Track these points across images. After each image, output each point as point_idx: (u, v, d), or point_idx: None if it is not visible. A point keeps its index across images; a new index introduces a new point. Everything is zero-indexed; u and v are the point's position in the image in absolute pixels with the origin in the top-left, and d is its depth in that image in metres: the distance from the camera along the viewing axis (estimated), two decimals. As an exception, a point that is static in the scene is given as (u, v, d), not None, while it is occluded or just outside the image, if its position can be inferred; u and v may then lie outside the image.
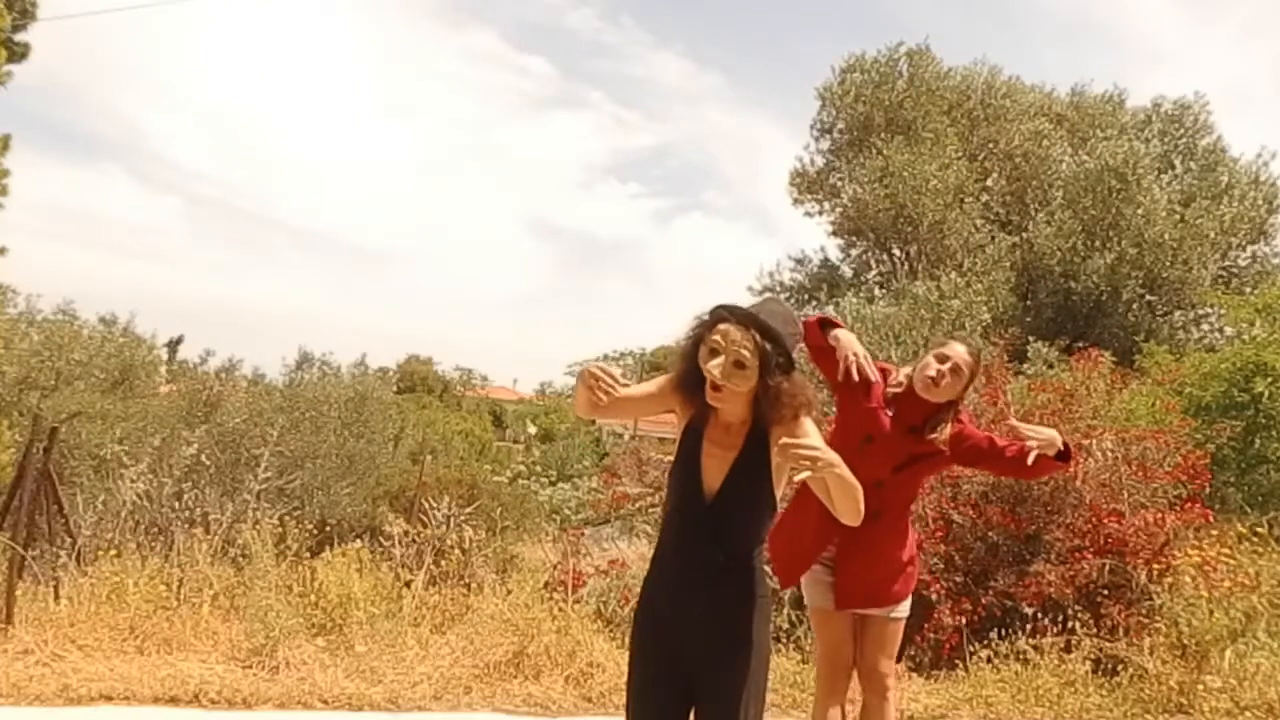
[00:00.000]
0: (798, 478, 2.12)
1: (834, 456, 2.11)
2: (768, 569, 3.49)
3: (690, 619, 2.27)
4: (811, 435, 2.23)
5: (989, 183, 18.35)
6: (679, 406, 2.35)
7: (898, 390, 3.22)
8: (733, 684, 2.26)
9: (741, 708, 2.25)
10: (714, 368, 2.18)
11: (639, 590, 2.44)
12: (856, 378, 3.11)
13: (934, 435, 3.16)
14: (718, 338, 2.20)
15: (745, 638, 2.28)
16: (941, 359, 3.15)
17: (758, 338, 2.19)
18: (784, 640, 5.43)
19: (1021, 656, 5.18)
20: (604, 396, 2.16)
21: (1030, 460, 3.08)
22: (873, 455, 3.10)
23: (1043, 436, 3.12)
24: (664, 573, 2.36)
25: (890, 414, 3.19)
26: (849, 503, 2.19)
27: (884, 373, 3.27)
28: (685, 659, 2.28)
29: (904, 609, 3.30)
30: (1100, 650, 5.17)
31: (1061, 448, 3.11)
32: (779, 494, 2.34)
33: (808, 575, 3.27)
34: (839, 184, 19.57)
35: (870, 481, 2.33)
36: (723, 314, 2.23)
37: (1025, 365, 11.85)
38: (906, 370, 3.31)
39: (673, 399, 2.35)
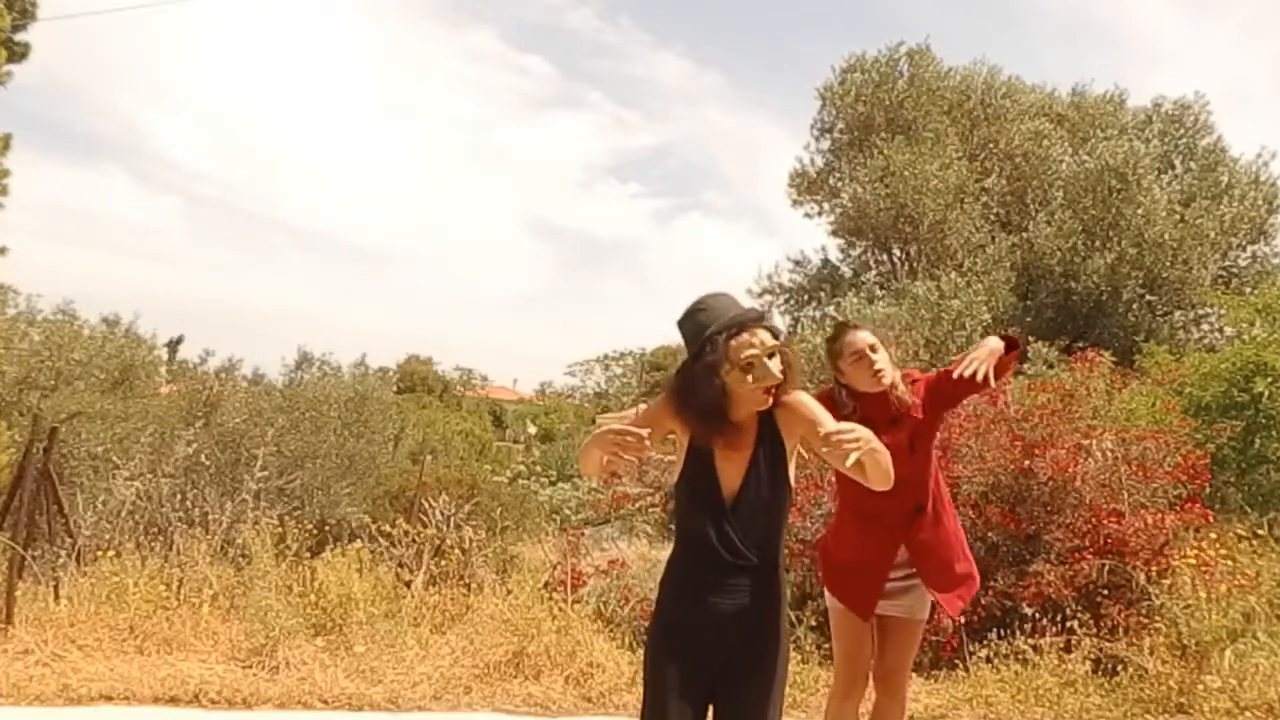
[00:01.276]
0: (849, 463, 2.13)
1: (866, 432, 2.16)
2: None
3: (720, 621, 2.26)
4: (816, 409, 2.30)
5: (989, 183, 18.31)
6: (679, 429, 2.32)
7: (853, 414, 3.10)
8: (762, 683, 2.27)
9: (770, 706, 2.26)
10: (774, 369, 2.21)
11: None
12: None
13: (905, 400, 3.13)
14: (753, 351, 2.19)
15: (774, 636, 2.30)
16: (859, 356, 3.09)
17: (770, 325, 2.24)
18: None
19: (1021, 656, 5.18)
20: (634, 458, 2.17)
21: (993, 383, 3.11)
22: None
23: (980, 354, 3.10)
24: (688, 577, 2.33)
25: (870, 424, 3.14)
26: (880, 470, 2.26)
27: (825, 402, 3.23)
28: (709, 662, 2.27)
29: (925, 611, 3.28)
30: (1100, 650, 5.17)
31: (1003, 346, 3.12)
32: (792, 475, 2.36)
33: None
34: (839, 184, 19.56)
35: (898, 482, 2.36)
36: (733, 327, 2.21)
37: (1025, 365, 11.85)
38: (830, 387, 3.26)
39: (671, 424, 2.32)
